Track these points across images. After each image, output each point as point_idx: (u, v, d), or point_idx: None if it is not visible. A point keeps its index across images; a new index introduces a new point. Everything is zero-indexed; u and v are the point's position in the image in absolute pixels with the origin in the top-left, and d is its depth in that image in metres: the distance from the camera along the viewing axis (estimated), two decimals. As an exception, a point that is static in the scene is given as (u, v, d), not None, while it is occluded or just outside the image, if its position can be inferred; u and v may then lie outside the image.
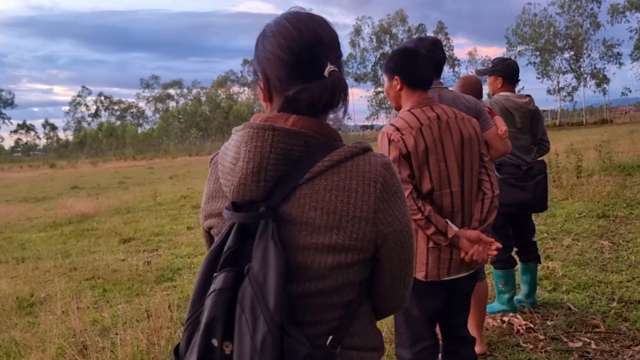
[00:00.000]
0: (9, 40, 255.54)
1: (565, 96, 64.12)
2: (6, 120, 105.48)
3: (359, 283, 1.06)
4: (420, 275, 2.12)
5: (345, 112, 1.09)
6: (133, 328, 3.49)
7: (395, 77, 2.15)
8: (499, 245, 2.17)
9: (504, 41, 64.07)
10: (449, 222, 2.07)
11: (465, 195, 2.11)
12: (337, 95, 1.03)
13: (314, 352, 0.93)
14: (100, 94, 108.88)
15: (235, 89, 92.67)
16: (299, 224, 0.98)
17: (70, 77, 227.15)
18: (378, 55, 70.28)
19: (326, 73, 1.02)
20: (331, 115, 1.10)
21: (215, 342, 0.92)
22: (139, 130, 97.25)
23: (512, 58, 5.04)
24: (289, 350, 0.90)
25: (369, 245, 1.01)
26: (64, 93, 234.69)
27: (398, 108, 2.23)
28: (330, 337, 1.01)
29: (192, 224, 8.92)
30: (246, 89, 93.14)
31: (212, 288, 0.93)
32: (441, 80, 2.56)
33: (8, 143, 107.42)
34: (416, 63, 2.13)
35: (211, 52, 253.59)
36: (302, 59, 1.03)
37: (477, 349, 3.12)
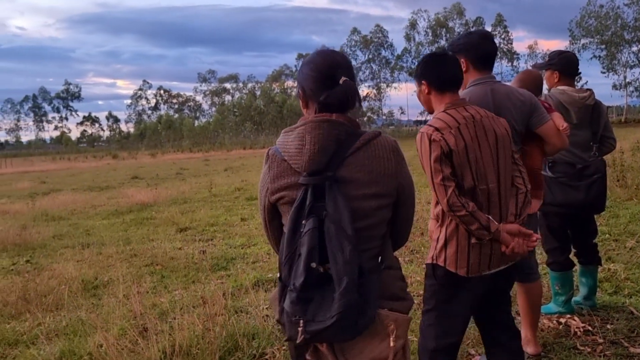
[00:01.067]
0: (77, 36, 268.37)
1: (633, 91, 60.79)
2: (73, 113, 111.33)
3: (387, 221, 1.58)
4: (462, 271, 2.16)
5: (360, 107, 1.59)
6: (189, 313, 3.63)
7: (423, 81, 2.24)
8: (538, 236, 2.18)
9: (567, 34, 61.36)
10: (490, 217, 2.10)
11: (501, 191, 2.16)
12: (349, 96, 1.53)
13: (376, 268, 1.49)
14: (160, 88, 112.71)
15: (290, 83, 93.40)
16: (350, 182, 1.47)
17: (133, 71, 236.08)
18: (434, 50, 69.03)
19: (340, 82, 1.51)
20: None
21: (314, 264, 1.39)
22: (196, 123, 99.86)
23: (575, 52, 4.84)
24: (360, 263, 1.39)
25: (393, 192, 1.54)
26: (126, 87, 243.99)
27: (430, 111, 2.31)
28: (379, 258, 1.53)
29: (245, 216, 9.12)
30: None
31: (305, 229, 1.41)
32: (495, 74, 2.52)
33: (75, 134, 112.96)
34: (441, 66, 2.22)
35: (266, 47, 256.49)
36: (323, 75, 1.54)
37: (531, 349, 3.05)
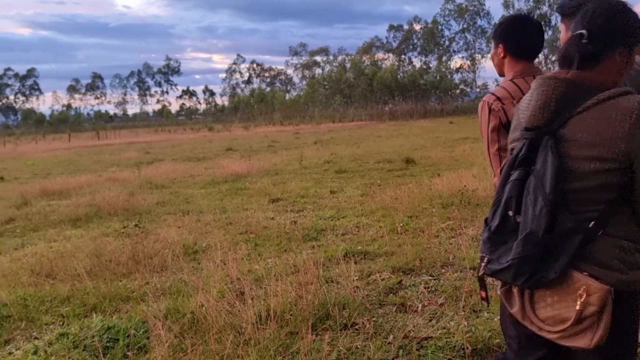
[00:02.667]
0: (176, 13, 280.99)
1: None
2: (173, 87, 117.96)
3: (617, 186, 1.46)
4: None
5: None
6: (282, 281, 3.76)
7: (501, 44, 2.14)
8: None
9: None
10: None
11: None
12: (580, 52, 1.51)
13: (579, 230, 1.44)
14: (252, 62, 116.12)
15: (380, 55, 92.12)
16: (570, 142, 1.46)
17: (227, 46, 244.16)
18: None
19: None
20: None
21: (510, 213, 1.51)
22: (287, 96, 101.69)
23: None
24: (558, 222, 1.43)
25: (623, 158, 1.42)
26: (221, 61, 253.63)
27: (501, 75, 2.22)
28: (593, 222, 1.46)
29: (335, 188, 9.22)
30: (391, 55, 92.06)
31: (511, 179, 1.51)
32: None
33: (174, 107, 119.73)
34: (524, 32, 2.10)
35: (357, 19, 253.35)
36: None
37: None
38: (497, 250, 1.53)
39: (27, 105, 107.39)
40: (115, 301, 4.05)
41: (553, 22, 64.31)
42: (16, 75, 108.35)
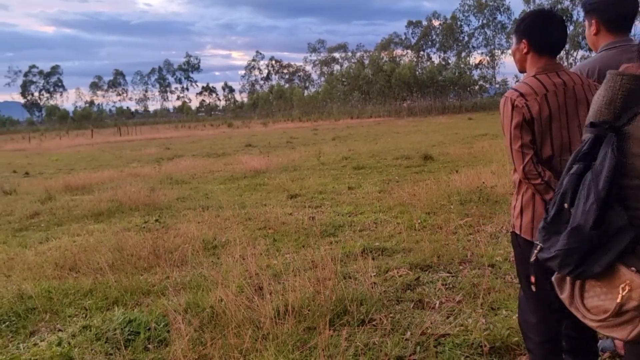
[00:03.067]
0: (196, 10, 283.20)
1: None
2: (193, 83, 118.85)
3: None
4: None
5: None
6: (300, 276, 3.79)
7: (524, 40, 2.13)
8: None
9: None
10: None
11: None
12: None
13: (631, 227, 1.43)
14: (271, 58, 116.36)
15: (399, 51, 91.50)
16: (634, 139, 1.43)
17: (247, 42, 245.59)
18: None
19: None
20: None
21: (565, 205, 1.55)
22: (305, 93, 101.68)
23: None
24: (609, 218, 1.44)
25: None
26: (240, 58, 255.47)
27: (522, 71, 2.22)
28: None
29: (352, 184, 9.22)
30: (409, 51, 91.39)
31: (570, 172, 1.54)
32: (632, 37, 2.29)
33: (194, 104, 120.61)
34: (548, 28, 2.08)
35: (376, 15, 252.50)
36: None
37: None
38: (549, 240, 1.59)
39: (51, 102, 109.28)
40: (137, 295, 4.13)
41: (574, 17, 63.13)
42: (41, 72, 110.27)
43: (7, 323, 3.75)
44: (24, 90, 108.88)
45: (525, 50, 2.13)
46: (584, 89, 2.06)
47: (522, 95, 2.03)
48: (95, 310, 3.86)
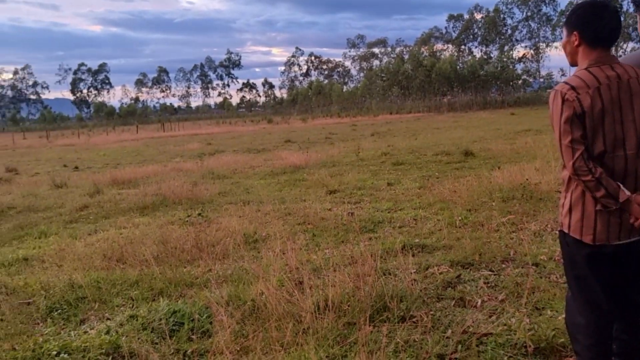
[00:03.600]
0: (237, 7, 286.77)
1: None
2: (234, 80, 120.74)
3: None
4: (587, 239, 2.03)
5: None
6: (340, 271, 3.80)
7: (575, 32, 2.06)
8: None
9: None
10: (621, 186, 1.96)
11: None
12: None
13: None
14: (311, 54, 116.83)
15: (439, 46, 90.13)
16: None
17: (286, 39, 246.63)
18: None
19: None
20: None
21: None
22: (344, 88, 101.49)
23: None
24: None
25: None
26: (280, 54, 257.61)
27: (573, 64, 2.14)
28: None
29: (392, 180, 9.16)
30: (450, 45, 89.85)
31: None
32: None
33: (235, 100, 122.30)
34: (601, 19, 2.01)
35: (416, 9, 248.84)
36: None
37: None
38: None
39: (99, 99, 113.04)
40: (180, 286, 4.24)
41: (624, 8, 60.59)
42: (89, 70, 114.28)
43: (59, 311, 3.92)
44: (74, 87, 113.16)
45: (576, 43, 2.07)
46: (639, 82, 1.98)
47: (573, 88, 1.97)
48: (141, 300, 3.99)
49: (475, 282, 3.89)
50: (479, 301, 3.52)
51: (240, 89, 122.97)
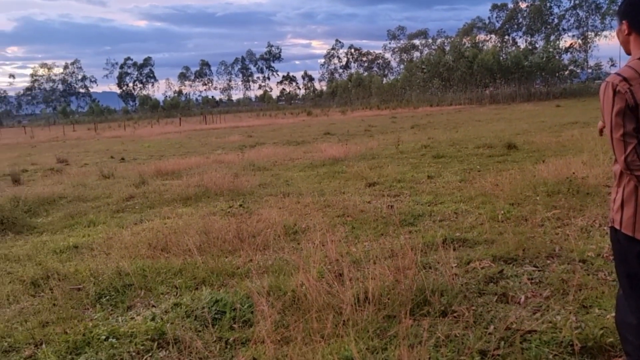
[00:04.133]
0: (277, 0, 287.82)
1: None
2: (274, 73, 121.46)
3: None
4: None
5: None
6: (380, 264, 3.79)
7: (624, 20, 2.00)
8: None
9: None
10: None
11: None
12: None
13: None
14: (350, 47, 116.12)
15: (482, 36, 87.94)
16: None
17: (326, 31, 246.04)
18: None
19: None
20: None
21: None
22: (384, 80, 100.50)
23: None
24: None
25: None
26: (319, 47, 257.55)
27: (628, 53, 2.06)
28: None
29: (432, 173, 9.05)
30: (493, 36, 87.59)
31: None
32: None
33: (275, 93, 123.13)
34: None
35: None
36: None
37: None
38: None
39: (144, 92, 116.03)
40: (222, 276, 4.33)
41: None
42: (134, 64, 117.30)
43: (107, 297, 4.07)
44: (120, 81, 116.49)
45: (626, 32, 2.01)
46: None
47: (625, 79, 1.89)
48: (184, 289, 4.09)
49: (518, 278, 3.81)
50: (523, 297, 3.45)
51: (280, 82, 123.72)
